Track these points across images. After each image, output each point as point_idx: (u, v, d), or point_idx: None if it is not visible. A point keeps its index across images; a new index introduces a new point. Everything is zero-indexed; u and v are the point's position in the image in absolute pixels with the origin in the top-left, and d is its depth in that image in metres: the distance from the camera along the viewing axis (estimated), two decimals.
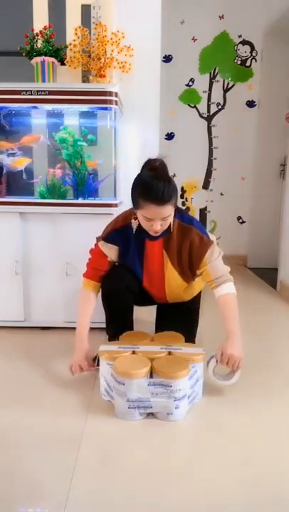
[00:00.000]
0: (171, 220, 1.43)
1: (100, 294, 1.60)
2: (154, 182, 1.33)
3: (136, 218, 1.46)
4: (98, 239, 1.56)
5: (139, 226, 1.48)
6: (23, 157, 2.12)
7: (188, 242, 1.48)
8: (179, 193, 3.86)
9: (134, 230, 1.50)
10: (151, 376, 1.33)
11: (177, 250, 1.50)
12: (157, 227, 1.39)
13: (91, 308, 1.55)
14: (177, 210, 1.49)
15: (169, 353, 1.42)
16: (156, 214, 1.36)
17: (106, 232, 1.56)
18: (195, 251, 1.48)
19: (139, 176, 1.41)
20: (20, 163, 2.10)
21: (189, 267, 1.52)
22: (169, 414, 1.30)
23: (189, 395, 1.36)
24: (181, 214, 1.52)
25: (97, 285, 1.58)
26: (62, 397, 1.45)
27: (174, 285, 1.56)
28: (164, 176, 1.37)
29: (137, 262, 1.53)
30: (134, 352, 1.42)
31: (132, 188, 1.39)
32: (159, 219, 1.38)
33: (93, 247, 1.59)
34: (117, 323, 1.64)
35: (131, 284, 1.58)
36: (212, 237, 1.54)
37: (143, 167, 1.42)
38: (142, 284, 1.60)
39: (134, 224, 1.50)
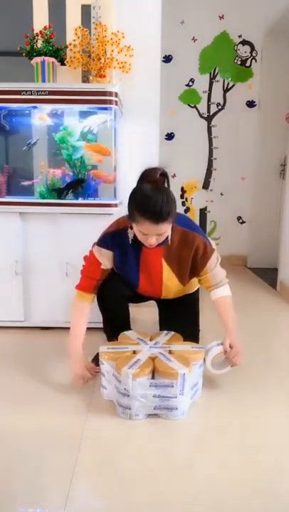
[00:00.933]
0: (167, 234, 1.40)
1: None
2: (151, 198, 1.27)
3: (132, 228, 1.41)
4: (93, 245, 1.54)
5: (135, 236, 1.43)
6: None
7: (192, 248, 1.46)
8: (179, 193, 3.86)
9: (130, 239, 1.47)
10: (153, 376, 1.33)
11: (178, 258, 1.49)
12: (152, 242, 1.36)
13: (84, 321, 1.51)
14: (176, 215, 1.41)
15: (170, 352, 1.42)
16: (152, 231, 1.32)
17: (100, 236, 1.53)
18: (199, 259, 1.48)
19: (136, 188, 1.35)
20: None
21: (190, 272, 1.52)
22: (170, 413, 1.30)
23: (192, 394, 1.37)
24: (181, 219, 1.49)
25: (91, 297, 1.53)
26: (62, 397, 1.45)
27: (171, 288, 1.57)
28: (163, 189, 1.32)
29: (134, 265, 1.52)
30: (134, 352, 1.42)
31: (129, 200, 1.34)
32: (154, 235, 1.34)
33: (88, 254, 1.56)
34: (113, 325, 1.64)
35: (123, 289, 1.58)
36: (213, 243, 1.54)
37: (142, 178, 1.35)
38: (135, 289, 1.60)
39: (130, 233, 1.47)
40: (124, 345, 1.48)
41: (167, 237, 1.43)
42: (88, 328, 1.53)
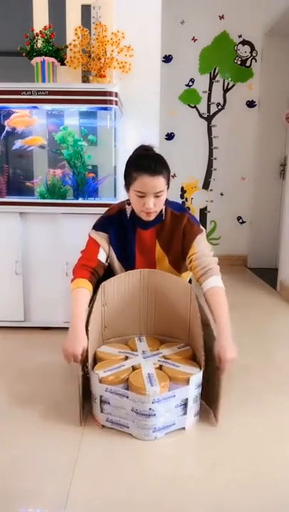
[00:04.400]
0: (163, 199, 1.43)
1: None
2: (146, 156, 1.40)
3: (129, 204, 1.48)
4: (91, 231, 1.54)
5: (132, 212, 1.49)
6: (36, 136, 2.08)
7: (180, 228, 1.49)
8: (179, 193, 3.86)
9: (128, 215, 1.51)
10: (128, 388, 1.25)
11: (169, 238, 1.51)
12: (150, 205, 1.37)
13: (84, 299, 1.39)
14: (169, 201, 1.53)
15: (160, 368, 1.33)
16: (149, 185, 1.35)
17: (96, 221, 1.54)
18: (186, 235, 1.48)
19: (131, 155, 1.47)
20: (33, 141, 2.08)
21: (182, 254, 1.51)
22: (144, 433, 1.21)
23: (170, 422, 1.24)
24: (173, 203, 1.56)
25: (88, 283, 1.42)
26: (62, 398, 1.45)
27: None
28: (156, 154, 1.45)
29: (131, 247, 1.53)
30: (127, 358, 1.39)
31: (126, 166, 1.42)
32: (151, 194, 1.37)
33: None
34: None
35: None
36: (204, 230, 1.54)
37: (135, 150, 1.50)
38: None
39: (128, 209, 1.50)
40: (124, 349, 1.45)
41: (162, 212, 1.48)
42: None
